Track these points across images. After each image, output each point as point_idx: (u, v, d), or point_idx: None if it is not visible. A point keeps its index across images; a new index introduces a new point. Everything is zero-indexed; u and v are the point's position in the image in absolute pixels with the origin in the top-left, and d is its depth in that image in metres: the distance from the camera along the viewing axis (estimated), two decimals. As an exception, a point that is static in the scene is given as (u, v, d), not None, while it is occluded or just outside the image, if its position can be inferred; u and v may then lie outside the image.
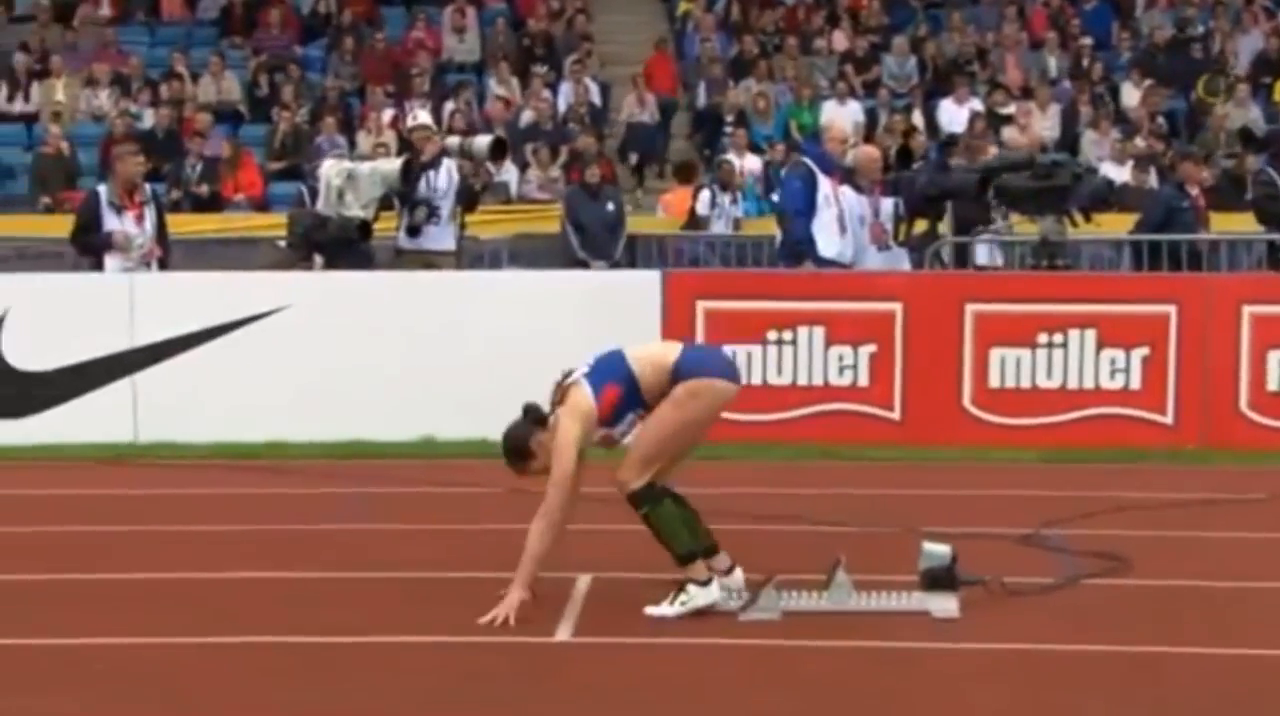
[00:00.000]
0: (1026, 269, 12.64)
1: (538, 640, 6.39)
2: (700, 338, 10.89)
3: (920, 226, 12.34)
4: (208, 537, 8.45)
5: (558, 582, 7.01)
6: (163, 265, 12.03)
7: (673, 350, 6.76)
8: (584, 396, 6.59)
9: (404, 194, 12.42)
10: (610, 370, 6.67)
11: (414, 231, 12.61)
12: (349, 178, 11.98)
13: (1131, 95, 20.25)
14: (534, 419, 6.69)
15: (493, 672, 5.97)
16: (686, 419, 6.62)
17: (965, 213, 12.87)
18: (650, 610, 6.68)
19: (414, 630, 6.52)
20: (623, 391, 6.62)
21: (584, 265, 14.68)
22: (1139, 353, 10.92)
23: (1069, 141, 19.20)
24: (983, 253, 13.68)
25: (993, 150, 15.46)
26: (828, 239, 11.79)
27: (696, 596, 6.69)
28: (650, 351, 6.78)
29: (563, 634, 6.50)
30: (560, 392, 6.65)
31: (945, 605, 6.77)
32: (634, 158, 19.78)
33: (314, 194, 12.42)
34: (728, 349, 10.92)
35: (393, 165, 12.33)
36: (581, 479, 6.66)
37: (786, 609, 6.74)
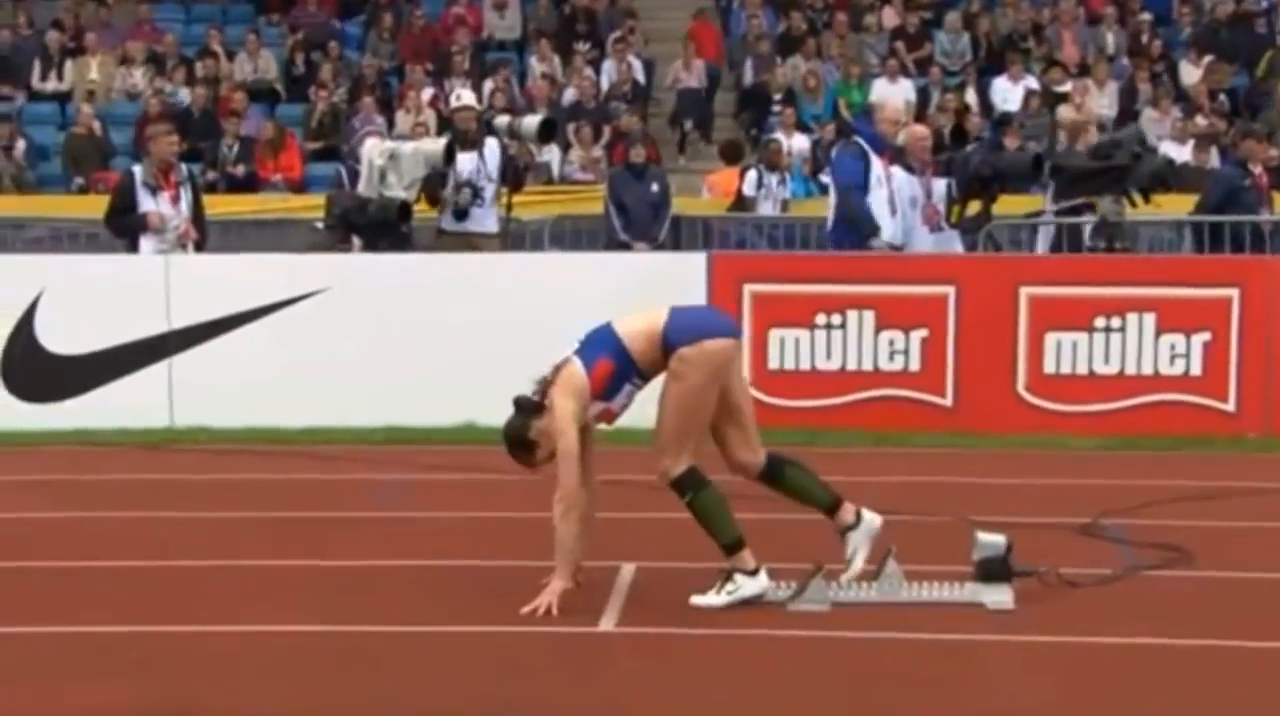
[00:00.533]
0: (1083, 251, 12.58)
1: (581, 630, 6.40)
2: (746, 322, 10.89)
3: (973, 208, 12.29)
4: (244, 524, 8.50)
5: (601, 571, 7.03)
6: (199, 247, 12.09)
7: (659, 318, 6.71)
8: (575, 372, 6.64)
9: (444, 175, 12.44)
10: (599, 344, 6.70)
11: (459, 214, 12.65)
12: (392, 157, 12.03)
13: (1192, 73, 20.09)
14: (527, 409, 6.71)
15: (535, 663, 5.99)
16: (691, 389, 6.61)
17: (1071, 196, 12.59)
18: (696, 600, 6.69)
19: (455, 619, 6.54)
20: (615, 364, 6.64)
21: (626, 247, 14.68)
22: (1200, 337, 10.86)
23: (1127, 120, 19.06)
24: (1043, 241, 13.53)
25: (1094, 131, 15.22)
26: (879, 220, 11.75)
27: (744, 586, 6.69)
28: (638, 321, 6.75)
29: (606, 624, 6.51)
30: (552, 373, 6.68)
31: (999, 597, 6.75)
32: (688, 124, 19.78)
33: (353, 175, 12.47)
34: (776, 333, 11.08)
35: (436, 145, 12.35)
36: (593, 458, 6.69)
37: (836, 600, 6.73)
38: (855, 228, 11.70)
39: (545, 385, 6.69)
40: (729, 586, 6.70)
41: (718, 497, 6.71)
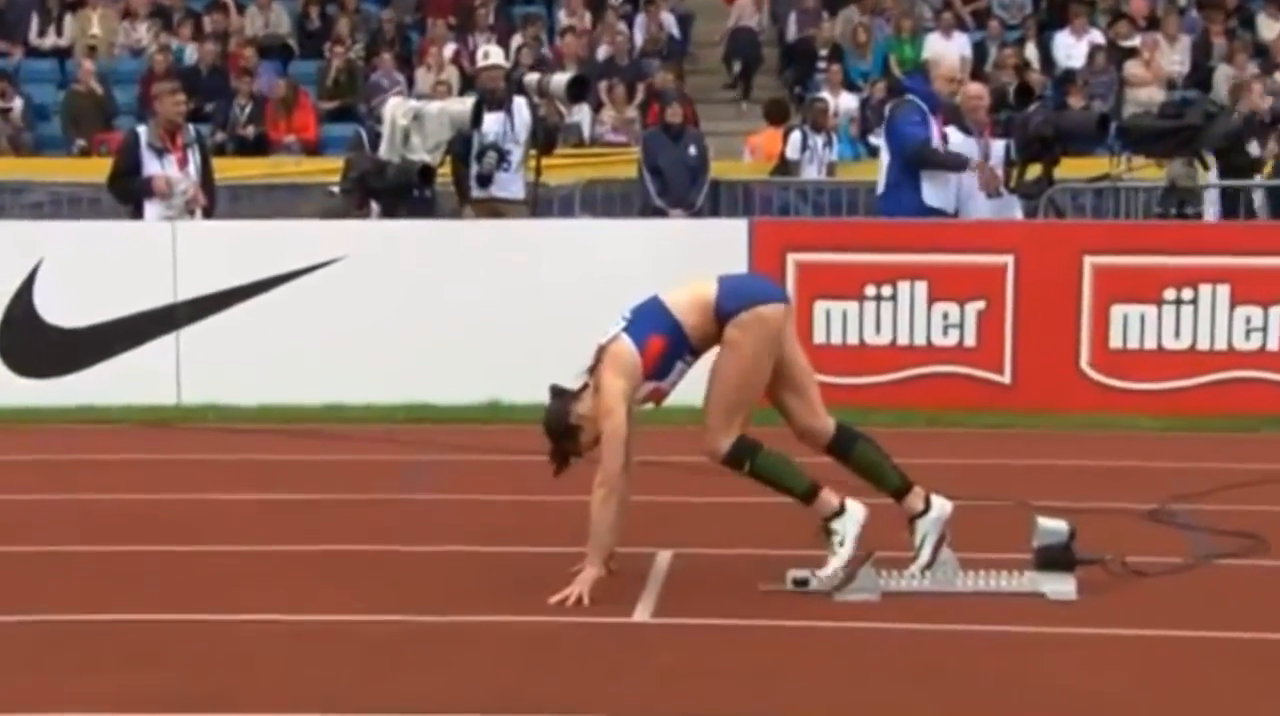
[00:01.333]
0: (1152, 218, 12.54)
1: (614, 620, 6.41)
2: (790, 293, 10.85)
3: (1034, 171, 12.25)
4: (257, 507, 8.54)
5: (636, 558, 7.04)
6: (207, 213, 12.14)
7: (709, 287, 6.74)
8: (627, 349, 6.63)
9: (469, 138, 12.42)
10: (651, 320, 6.70)
11: (484, 179, 12.66)
12: (415, 118, 11.98)
13: (1269, 26, 19.95)
14: (566, 393, 6.74)
15: (566, 656, 6.00)
16: (746, 359, 6.64)
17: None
18: (825, 572, 6.66)
19: (481, 609, 6.56)
20: (668, 341, 6.66)
21: (661, 213, 14.68)
22: (1278, 309, 10.80)
23: (1200, 77, 18.96)
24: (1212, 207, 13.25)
25: (1258, 90, 15.01)
26: (932, 185, 11.73)
27: (846, 527, 6.71)
28: (688, 293, 6.76)
29: (641, 614, 6.52)
30: (598, 353, 6.68)
31: (1061, 586, 6.73)
32: (737, 66, 19.80)
33: (374, 136, 12.45)
34: (821, 305, 11.06)
35: (464, 106, 12.27)
36: (633, 440, 6.69)
37: (886, 589, 6.73)
38: (914, 193, 11.64)
39: (595, 359, 6.67)
40: (835, 539, 6.71)
41: (777, 455, 6.74)
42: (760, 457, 6.71)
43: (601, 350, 6.68)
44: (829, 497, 6.76)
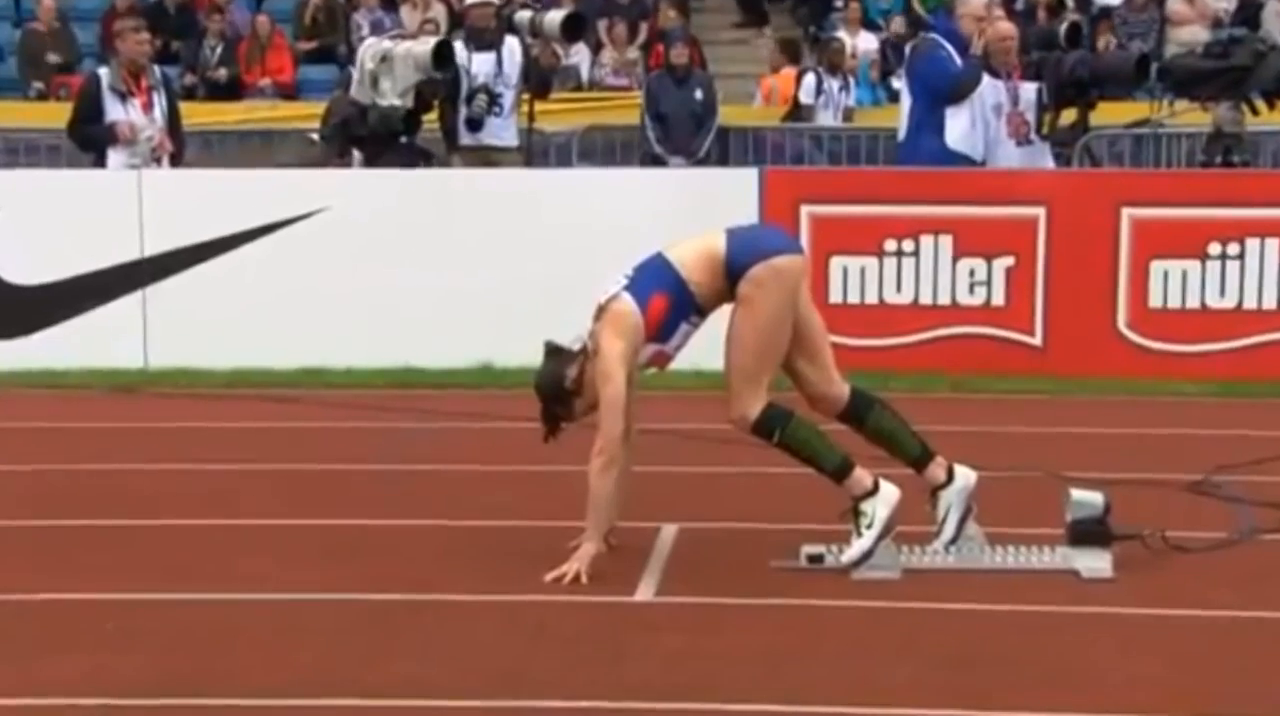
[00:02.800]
0: (1195, 166, 12.53)
1: (614, 599, 6.44)
2: (804, 248, 10.88)
3: (1068, 116, 12.24)
4: (232, 478, 8.56)
5: (638, 533, 7.07)
6: (175, 161, 12.14)
7: (718, 241, 6.72)
8: (628, 309, 6.62)
9: (437, 81, 12.30)
10: (654, 277, 6.70)
11: (473, 124, 12.64)
12: (384, 60, 11.83)
13: (1325, -42, 19.87)
14: (562, 354, 6.74)
15: (563, 638, 6.03)
16: (767, 314, 6.62)
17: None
18: (846, 557, 6.68)
19: (472, 587, 6.59)
20: (672, 299, 6.65)
21: (659, 162, 14.69)
22: (1331, 265, 10.82)
23: (1248, 14, 18.91)
24: None
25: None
26: (956, 130, 11.72)
27: (877, 507, 6.71)
28: (694, 248, 6.74)
29: (644, 593, 6.55)
30: (597, 313, 6.69)
31: (1096, 563, 6.77)
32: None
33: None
34: (838, 261, 11.07)
35: (425, 46, 11.95)
36: (635, 407, 6.71)
37: (908, 566, 6.77)
38: (938, 140, 11.62)
39: (595, 319, 6.69)
40: (864, 521, 6.72)
41: (808, 425, 6.73)
42: (791, 427, 6.68)
43: (601, 309, 6.69)
44: (861, 476, 6.76)
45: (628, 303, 6.64)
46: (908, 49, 12.82)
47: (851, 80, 17.18)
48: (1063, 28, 12.70)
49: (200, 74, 18.29)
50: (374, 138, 11.90)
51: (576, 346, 6.75)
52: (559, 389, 6.74)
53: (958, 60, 11.69)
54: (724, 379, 6.73)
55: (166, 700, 5.44)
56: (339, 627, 6.15)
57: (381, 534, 7.47)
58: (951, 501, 6.87)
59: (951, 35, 11.93)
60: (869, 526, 6.73)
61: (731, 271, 6.66)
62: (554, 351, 6.79)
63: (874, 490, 6.74)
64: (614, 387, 6.55)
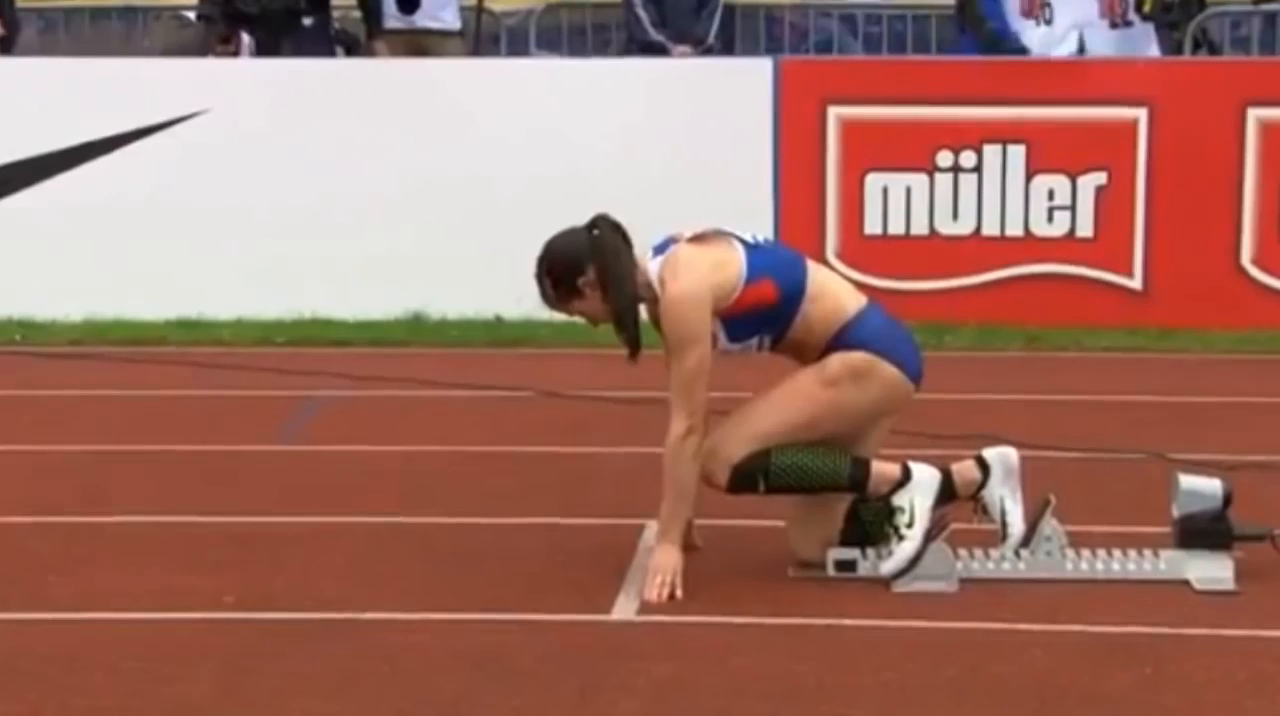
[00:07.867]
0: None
1: (584, 617, 6.46)
2: (832, 162, 10.90)
3: (1178, -9, 12.28)
4: (89, 461, 8.58)
5: (616, 531, 7.14)
6: (5, 48, 12.11)
7: (854, 301, 6.83)
8: (737, 269, 6.65)
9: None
10: (782, 266, 6.77)
11: (405, 3, 12.61)
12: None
13: None
14: (599, 235, 6.66)
15: (516, 667, 6.03)
16: (837, 404, 6.71)
17: None
18: (885, 568, 6.72)
19: (404, 604, 6.60)
20: (779, 298, 6.69)
21: (660, 50, 14.66)
22: None
23: None
24: None
25: None
26: (1022, 13, 11.75)
27: (914, 500, 6.74)
28: (832, 286, 6.86)
29: (623, 610, 6.57)
30: (696, 238, 6.72)
31: (1214, 571, 6.78)
32: None
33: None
34: (876, 180, 11.08)
35: None
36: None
37: (966, 575, 6.78)
38: (1002, 19, 11.70)
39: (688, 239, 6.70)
40: (900, 519, 6.76)
41: (795, 453, 6.72)
42: (781, 461, 6.70)
43: (700, 238, 6.69)
44: (884, 469, 6.80)
45: (740, 263, 6.66)
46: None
47: (893, -58, 17.19)
48: None
49: (42, -65, 18.25)
50: (268, 18, 11.90)
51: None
52: (570, 270, 6.64)
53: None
54: (729, 420, 6.76)
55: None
56: (227, 655, 6.15)
57: (280, 534, 7.47)
58: (1002, 493, 6.86)
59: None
60: (909, 524, 6.76)
61: (840, 339, 6.71)
62: (597, 227, 6.68)
63: (905, 478, 6.79)
64: (703, 351, 6.56)
